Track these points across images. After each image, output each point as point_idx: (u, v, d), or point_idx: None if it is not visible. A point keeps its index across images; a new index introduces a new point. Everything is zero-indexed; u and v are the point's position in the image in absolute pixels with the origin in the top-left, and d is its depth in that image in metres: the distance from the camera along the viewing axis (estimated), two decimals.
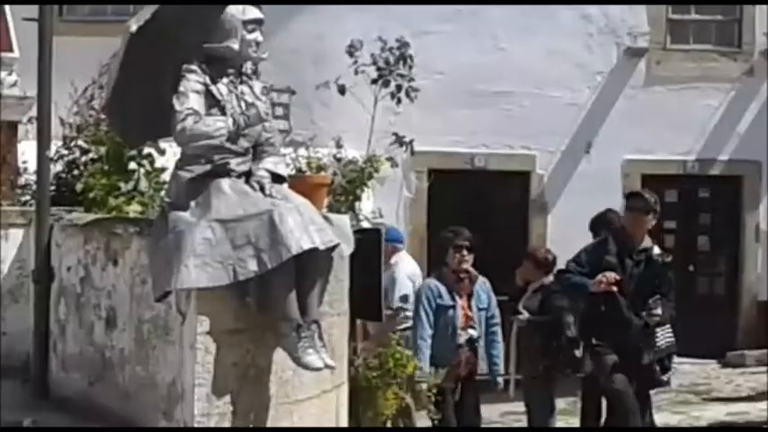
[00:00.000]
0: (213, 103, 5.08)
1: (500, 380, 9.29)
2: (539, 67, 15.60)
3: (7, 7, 10.73)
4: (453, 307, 8.89)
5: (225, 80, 5.16)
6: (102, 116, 6.81)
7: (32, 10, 6.53)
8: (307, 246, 4.80)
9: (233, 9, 5.20)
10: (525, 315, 9.50)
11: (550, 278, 9.77)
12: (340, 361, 5.45)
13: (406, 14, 14.76)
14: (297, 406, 5.09)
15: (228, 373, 4.86)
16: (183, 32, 5.23)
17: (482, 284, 9.15)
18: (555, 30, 15.70)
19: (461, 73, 15.24)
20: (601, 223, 9.74)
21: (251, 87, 5.26)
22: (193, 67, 5.09)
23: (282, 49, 13.93)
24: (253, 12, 5.23)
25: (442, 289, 8.93)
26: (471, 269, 9.12)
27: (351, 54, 9.54)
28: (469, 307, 9.03)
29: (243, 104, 5.14)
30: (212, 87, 5.09)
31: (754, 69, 16.23)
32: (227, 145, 5.07)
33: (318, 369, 4.92)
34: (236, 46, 5.17)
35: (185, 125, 4.94)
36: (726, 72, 16.23)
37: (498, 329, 9.27)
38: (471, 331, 8.95)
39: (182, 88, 5.03)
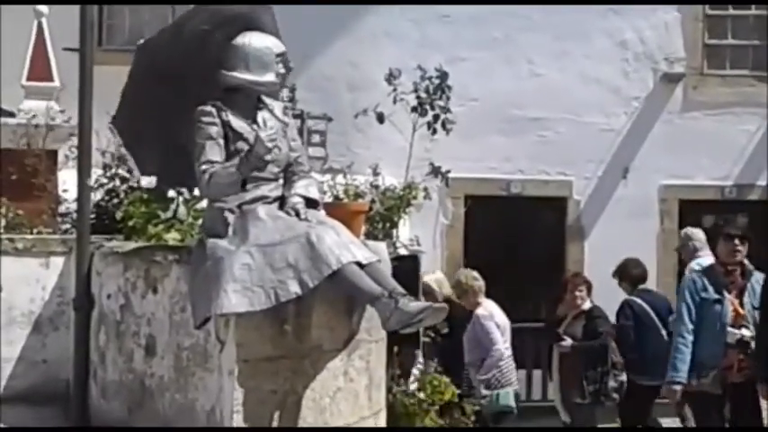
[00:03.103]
0: (236, 138, 5.12)
1: None
2: (574, 92, 15.58)
3: (48, 38, 10.85)
4: (720, 301, 7.88)
5: (244, 111, 5.20)
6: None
7: (73, 40, 6.58)
8: (346, 260, 4.80)
9: (267, 41, 5.25)
10: (568, 341, 9.48)
11: (589, 304, 9.77)
12: (378, 388, 5.44)
13: (442, 42, 14.78)
14: None
15: (267, 400, 4.86)
16: (189, 71, 5.34)
17: (758, 280, 8.01)
18: (591, 56, 15.68)
19: (497, 99, 15.23)
20: None
21: (271, 111, 5.29)
22: (207, 108, 5.13)
23: (319, 77, 14.02)
24: (280, 45, 5.31)
25: (707, 281, 7.99)
26: (747, 262, 8.09)
27: (389, 82, 9.56)
28: (741, 304, 8.00)
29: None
30: (232, 123, 5.13)
31: None
32: (257, 174, 5.11)
33: (428, 308, 4.87)
34: (273, 79, 5.24)
35: (203, 185, 5.13)
36: (763, 97, 16.10)
37: None
38: (744, 331, 7.87)
39: (197, 138, 5.13)
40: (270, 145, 5.00)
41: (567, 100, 15.55)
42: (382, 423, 5.63)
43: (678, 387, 7.67)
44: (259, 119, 5.23)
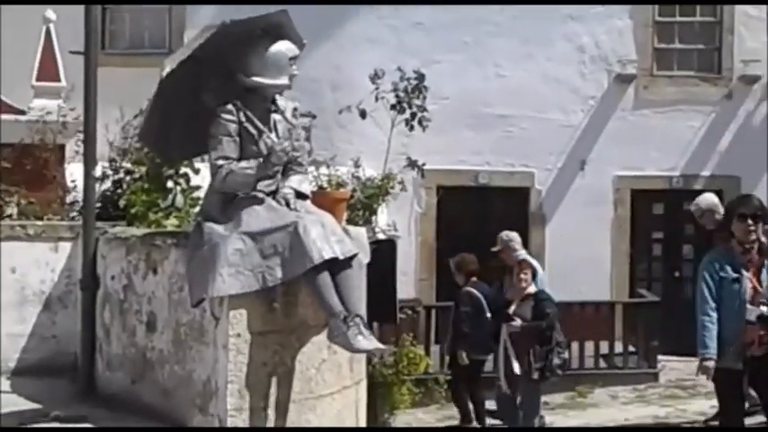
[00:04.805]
0: (249, 139, 5.08)
1: None
2: (537, 92, 15.63)
3: (55, 42, 10.80)
4: (738, 280, 7.32)
5: (259, 112, 5.13)
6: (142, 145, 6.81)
7: (79, 44, 6.54)
8: (328, 256, 4.79)
9: (283, 46, 5.17)
10: (518, 322, 9.44)
11: (533, 288, 9.72)
12: (359, 360, 5.45)
13: (417, 46, 14.81)
14: (320, 401, 5.08)
15: (258, 372, 4.85)
16: (223, 61, 5.20)
17: None
18: (552, 59, 15.74)
19: (467, 98, 15.27)
20: None
21: (283, 113, 5.24)
22: (228, 107, 5.06)
23: (304, 78, 13.84)
24: (295, 49, 5.23)
25: (725, 261, 7.39)
26: (764, 240, 7.46)
27: (373, 81, 9.55)
28: (759, 282, 7.41)
29: (275, 134, 5.13)
30: (247, 125, 5.08)
31: (733, 93, 16.21)
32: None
33: (370, 350, 4.89)
34: (286, 81, 5.18)
35: (219, 178, 5.03)
36: (707, 96, 16.21)
37: None
38: (764, 308, 7.32)
39: (216, 133, 5.04)
40: (284, 157, 5.05)
41: (530, 99, 15.61)
42: (363, 392, 5.63)
43: (711, 363, 7.18)
44: (271, 121, 5.18)
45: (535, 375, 9.37)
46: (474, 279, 10.88)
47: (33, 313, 7.01)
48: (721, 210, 9.20)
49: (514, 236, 11.06)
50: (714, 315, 7.25)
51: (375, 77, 9.50)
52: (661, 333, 13.92)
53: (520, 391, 9.63)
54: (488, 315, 10.48)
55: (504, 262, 10.60)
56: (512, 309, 9.59)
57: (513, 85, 15.55)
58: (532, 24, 15.50)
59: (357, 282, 5.06)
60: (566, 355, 9.82)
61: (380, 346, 5.00)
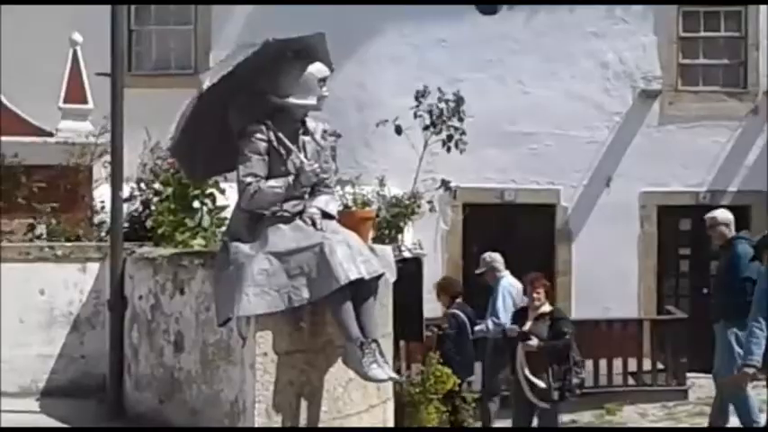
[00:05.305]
0: (278, 158, 5.08)
1: None
2: (562, 109, 15.59)
3: (82, 64, 10.88)
4: None
5: (289, 132, 5.13)
6: (171, 159, 6.82)
7: (105, 66, 6.58)
8: (354, 276, 4.79)
9: (313, 68, 5.19)
10: (535, 341, 9.34)
11: (548, 306, 9.63)
12: None
13: (441, 64, 14.81)
14: (347, 420, 5.08)
15: (285, 391, 4.85)
16: (254, 79, 5.21)
17: None
18: (575, 75, 15.71)
19: (491, 116, 15.21)
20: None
21: (312, 134, 5.25)
22: (261, 126, 5.07)
23: (329, 97, 14.02)
24: (325, 70, 5.25)
25: None
26: None
27: (417, 99, 9.53)
28: None
29: (304, 155, 5.12)
30: (277, 145, 5.08)
31: (759, 108, 16.11)
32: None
33: (383, 380, 4.92)
34: (314, 102, 5.19)
35: (247, 195, 5.03)
36: (732, 111, 16.13)
37: None
38: None
39: (246, 150, 5.05)
40: (314, 179, 5.07)
41: (554, 116, 15.57)
42: (390, 411, 5.62)
43: (751, 370, 7.06)
44: (300, 142, 5.19)
45: (555, 395, 9.29)
46: (458, 301, 10.90)
47: (62, 334, 7.04)
48: (732, 228, 9.62)
49: (497, 256, 11.19)
50: (764, 323, 7.04)
51: (420, 95, 9.46)
52: (690, 350, 13.83)
53: (538, 412, 9.56)
54: (471, 337, 10.57)
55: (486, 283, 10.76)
56: (526, 327, 9.51)
57: (537, 103, 15.52)
58: (555, 41, 15.49)
59: (382, 303, 5.04)
60: (583, 374, 9.75)
61: (395, 376, 5.01)
